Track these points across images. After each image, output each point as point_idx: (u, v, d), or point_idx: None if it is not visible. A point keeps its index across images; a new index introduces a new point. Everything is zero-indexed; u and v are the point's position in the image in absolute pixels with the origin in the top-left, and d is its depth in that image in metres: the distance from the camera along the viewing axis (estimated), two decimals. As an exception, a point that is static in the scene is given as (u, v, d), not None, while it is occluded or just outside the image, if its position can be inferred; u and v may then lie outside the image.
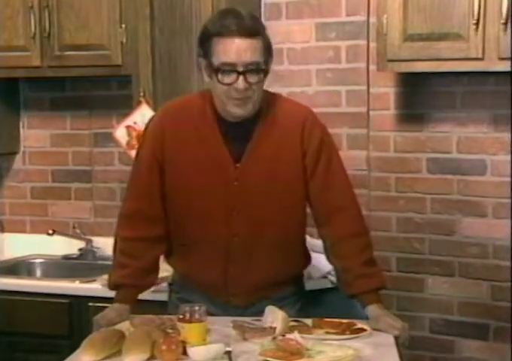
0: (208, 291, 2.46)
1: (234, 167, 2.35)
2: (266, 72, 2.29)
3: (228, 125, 2.35)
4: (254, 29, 2.24)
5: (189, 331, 2.09)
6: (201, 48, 2.31)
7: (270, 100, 2.39)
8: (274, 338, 2.12)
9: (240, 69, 2.22)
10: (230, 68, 2.22)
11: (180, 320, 2.12)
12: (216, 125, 2.36)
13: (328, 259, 2.47)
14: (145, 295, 2.51)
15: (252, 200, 2.37)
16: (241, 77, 2.22)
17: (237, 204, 2.37)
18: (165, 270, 2.63)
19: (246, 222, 2.37)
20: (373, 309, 2.34)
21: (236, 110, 2.29)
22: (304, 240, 2.54)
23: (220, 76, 2.23)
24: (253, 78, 2.24)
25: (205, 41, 2.28)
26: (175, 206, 2.43)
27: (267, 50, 2.29)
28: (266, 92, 2.40)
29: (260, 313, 2.29)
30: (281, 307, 2.28)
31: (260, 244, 2.39)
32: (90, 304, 3.12)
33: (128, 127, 3.30)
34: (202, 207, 2.39)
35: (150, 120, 2.51)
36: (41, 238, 3.75)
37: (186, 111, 2.42)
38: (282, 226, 2.42)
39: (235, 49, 2.21)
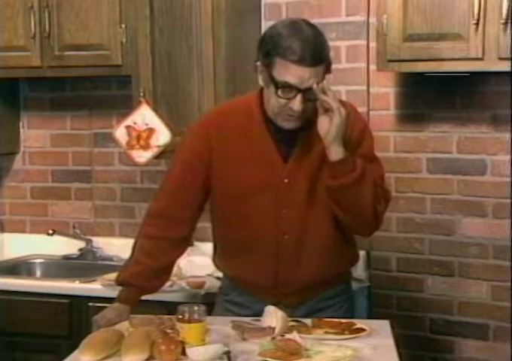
0: (257, 292, 2.45)
1: (283, 165, 2.36)
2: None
3: (276, 125, 2.35)
4: (317, 59, 2.21)
5: (188, 331, 2.09)
6: (261, 55, 2.28)
7: None
8: (273, 338, 2.12)
9: (301, 88, 2.21)
10: (291, 86, 2.21)
11: (179, 320, 2.12)
12: (264, 124, 2.36)
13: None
14: (145, 295, 2.51)
15: (302, 197, 2.37)
16: (299, 96, 2.21)
17: (287, 201, 2.37)
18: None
19: (296, 219, 2.38)
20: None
21: (286, 124, 2.30)
22: (353, 237, 2.53)
23: (280, 92, 2.23)
24: (310, 97, 2.23)
25: (267, 54, 2.24)
26: (224, 207, 2.44)
27: (327, 69, 2.27)
28: None
29: (312, 312, 2.34)
30: (330, 306, 2.32)
31: (310, 242, 2.39)
32: (90, 304, 3.12)
33: (128, 127, 3.30)
34: (252, 207, 2.38)
35: (193, 123, 2.53)
36: (41, 238, 3.75)
37: (232, 113, 2.43)
38: (331, 224, 2.40)
39: (300, 75, 2.20)
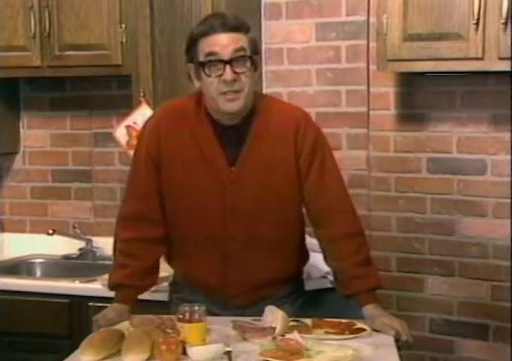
0: (207, 292, 2.46)
1: (229, 170, 2.36)
2: (253, 62, 2.29)
3: (223, 128, 2.35)
4: (237, 25, 2.27)
5: (189, 331, 2.09)
6: (188, 54, 2.33)
7: (263, 102, 2.40)
8: (274, 338, 2.12)
9: (225, 58, 2.23)
10: (215, 58, 2.23)
11: (180, 320, 2.12)
12: (211, 128, 2.36)
13: (325, 260, 2.48)
14: (145, 295, 2.51)
15: (248, 202, 2.37)
16: (227, 67, 2.23)
17: (233, 206, 2.37)
18: (165, 270, 2.63)
19: (242, 223, 2.38)
20: (368, 309, 2.34)
21: (227, 106, 2.28)
22: (302, 239, 2.54)
23: (207, 70, 2.24)
24: (240, 68, 2.25)
25: (192, 45, 2.30)
26: (172, 206, 2.44)
27: (253, 44, 2.31)
28: (259, 94, 2.42)
29: (260, 312, 2.29)
30: (280, 306, 2.28)
31: (257, 244, 2.40)
32: (90, 304, 3.12)
33: (128, 127, 3.31)
34: (198, 209, 2.39)
35: (147, 121, 2.52)
36: (41, 238, 3.75)
37: (182, 112, 2.42)
38: (279, 227, 2.42)
39: (219, 41, 2.24)
